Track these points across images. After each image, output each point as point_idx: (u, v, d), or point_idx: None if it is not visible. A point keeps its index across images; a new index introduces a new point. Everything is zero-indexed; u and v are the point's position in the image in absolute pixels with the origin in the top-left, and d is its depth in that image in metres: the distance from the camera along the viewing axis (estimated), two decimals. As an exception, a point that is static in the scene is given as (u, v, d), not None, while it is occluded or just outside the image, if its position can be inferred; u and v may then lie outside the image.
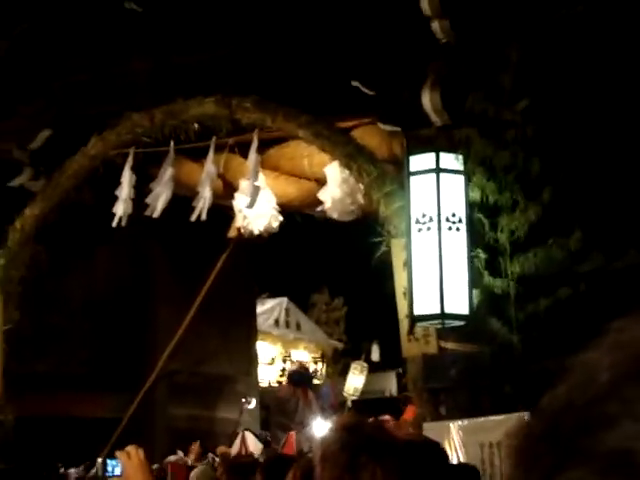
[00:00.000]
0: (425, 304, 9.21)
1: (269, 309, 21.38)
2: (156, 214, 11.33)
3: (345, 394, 18.37)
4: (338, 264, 21.42)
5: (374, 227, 10.27)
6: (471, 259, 9.22)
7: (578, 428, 0.56)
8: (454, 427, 8.50)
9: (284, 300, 21.97)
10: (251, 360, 16.44)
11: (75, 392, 13.25)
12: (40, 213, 12.00)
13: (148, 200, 11.34)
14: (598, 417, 0.56)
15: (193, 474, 9.02)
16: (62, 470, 10.03)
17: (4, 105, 11.78)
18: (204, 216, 11.06)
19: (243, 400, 14.78)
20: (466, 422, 8.51)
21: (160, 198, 11.31)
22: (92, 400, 13.49)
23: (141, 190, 11.62)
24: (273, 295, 21.87)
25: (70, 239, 12.79)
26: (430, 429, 9.00)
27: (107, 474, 2.88)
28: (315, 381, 22.32)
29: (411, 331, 9.59)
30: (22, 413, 11.88)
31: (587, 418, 0.56)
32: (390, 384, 21.34)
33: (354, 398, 18.10)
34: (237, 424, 14.52)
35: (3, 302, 11.99)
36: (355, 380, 19.75)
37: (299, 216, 12.86)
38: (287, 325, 22.03)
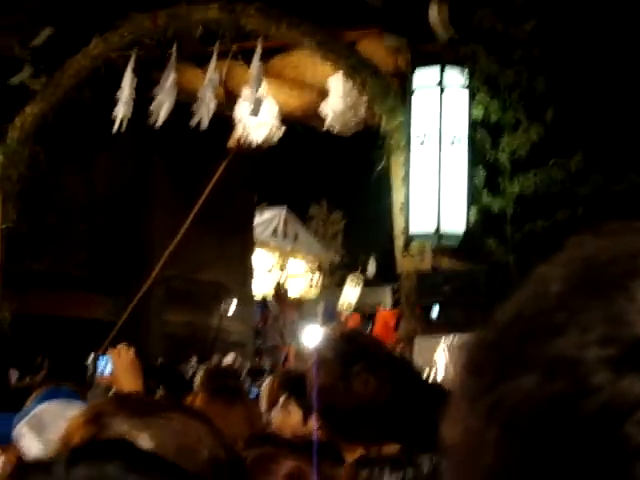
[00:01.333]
0: (422, 221, 9.22)
1: (268, 219, 21.39)
2: (159, 123, 11.23)
3: (339, 309, 18.54)
4: (338, 177, 21.37)
5: (375, 141, 10.21)
6: (470, 177, 9.20)
7: (524, 337, 0.56)
8: (445, 342, 8.57)
9: (283, 210, 21.97)
10: (247, 270, 16.52)
11: (71, 293, 13.34)
12: (40, 112, 11.92)
13: (151, 108, 11.24)
14: (545, 326, 0.56)
15: None
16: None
17: None
18: (206, 123, 10.96)
19: (222, 304, 14.81)
20: (457, 338, 8.58)
21: (163, 106, 11.20)
22: (88, 301, 13.59)
23: (142, 94, 11.51)
24: (272, 204, 21.86)
25: (69, 140, 12.73)
26: (421, 344, 9.10)
27: (97, 373, 2.92)
28: (312, 292, 22.46)
29: (406, 247, 9.61)
30: (19, 311, 11.98)
31: (534, 327, 0.56)
32: (385, 298, 21.47)
33: (347, 313, 18.27)
34: (216, 330, 14.59)
35: (1, 201, 11.99)
36: (351, 293, 19.91)
37: (300, 127, 12.78)
38: (285, 235, 22.06)
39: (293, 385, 3.39)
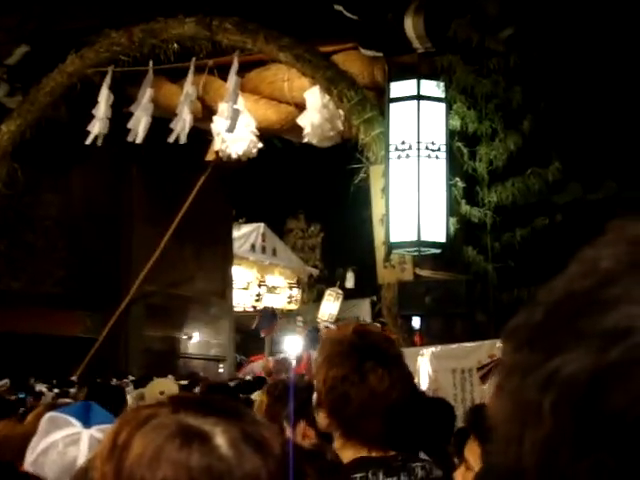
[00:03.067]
0: (402, 231, 9.25)
1: (245, 234, 21.38)
2: (139, 139, 11.23)
3: (319, 320, 18.51)
4: (315, 190, 21.39)
5: (353, 153, 10.24)
6: (449, 188, 9.24)
7: (577, 312, 0.58)
8: (427, 353, 8.58)
9: (260, 225, 21.97)
10: (226, 283, 16.48)
11: (50, 310, 13.26)
12: (16, 129, 11.89)
13: (129, 125, 11.24)
14: (597, 301, 0.58)
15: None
16: (37, 387, 10.04)
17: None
18: (183, 139, 10.99)
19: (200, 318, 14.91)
20: (439, 348, 8.58)
21: (141, 123, 11.21)
22: (67, 319, 13.52)
23: (118, 110, 11.51)
24: (249, 220, 21.86)
25: (46, 157, 12.69)
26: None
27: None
28: (291, 306, 22.45)
29: (387, 258, 9.63)
30: (-3, 329, 11.92)
31: (586, 303, 0.58)
32: (364, 311, 21.48)
33: (328, 324, 18.22)
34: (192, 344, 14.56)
35: (-22, 219, 11.94)
36: (330, 306, 19.91)
37: (278, 141, 12.80)
38: (263, 250, 22.05)
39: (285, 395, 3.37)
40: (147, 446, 1.03)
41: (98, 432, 2.23)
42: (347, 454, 2.28)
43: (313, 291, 23.57)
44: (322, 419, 2.31)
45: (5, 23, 11.71)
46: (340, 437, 2.29)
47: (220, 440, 1.03)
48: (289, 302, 22.61)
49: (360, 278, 20.65)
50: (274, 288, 22.30)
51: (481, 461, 2.29)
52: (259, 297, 21.90)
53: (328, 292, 20.43)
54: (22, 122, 11.86)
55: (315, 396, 2.33)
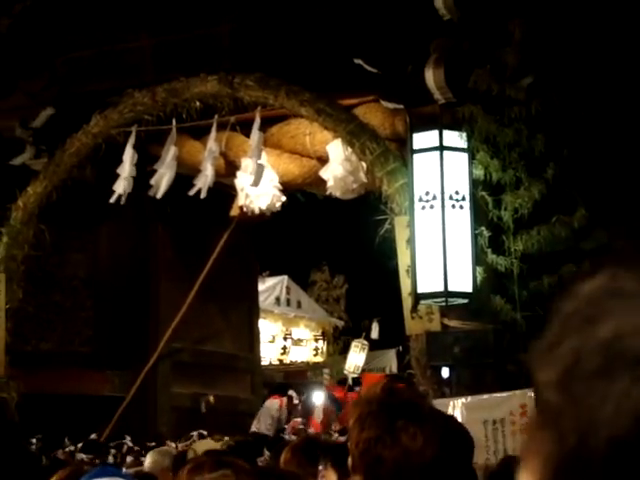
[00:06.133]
0: (429, 282, 9.23)
1: (270, 287, 21.39)
2: (159, 195, 11.37)
3: (346, 372, 18.41)
4: (338, 242, 21.42)
5: (376, 205, 10.27)
6: (474, 237, 9.24)
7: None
8: (457, 404, 8.52)
9: (284, 278, 21.99)
10: (253, 338, 16.45)
11: (78, 370, 13.28)
12: (42, 191, 12.00)
13: (152, 181, 11.36)
14: None
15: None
16: (69, 447, 9.99)
17: (6, 82, 11.76)
18: (204, 194, 11.07)
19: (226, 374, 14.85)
20: (469, 399, 8.53)
21: (163, 179, 11.33)
22: (95, 378, 13.52)
23: (143, 168, 11.62)
24: (274, 273, 21.89)
25: (72, 217, 12.79)
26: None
27: None
28: (317, 359, 22.37)
29: (414, 309, 9.61)
30: (26, 391, 11.92)
31: None
32: (390, 362, 21.39)
33: (354, 376, 18.13)
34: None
35: (6, 281, 12.01)
36: (356, 358, 19.80)
37: (301, 194, 12.86)
38: (288, 303, 22.05)
39: (326, 451, 3.34)
40: None
41: None
42: None
43: (339, 343, 23.49)
44: None
45: (29, 88, 11.88)
46: None
47: None
48: (315, 354, 22.54)
49: (385, 329, 20.57)
50: (300, 341, 22.26)
51: None
52: (285, 350, 21.85)
53: (354, 343, 20.33)
54: (48, 184, 11.97)
55: (349, 460, 2.30)
